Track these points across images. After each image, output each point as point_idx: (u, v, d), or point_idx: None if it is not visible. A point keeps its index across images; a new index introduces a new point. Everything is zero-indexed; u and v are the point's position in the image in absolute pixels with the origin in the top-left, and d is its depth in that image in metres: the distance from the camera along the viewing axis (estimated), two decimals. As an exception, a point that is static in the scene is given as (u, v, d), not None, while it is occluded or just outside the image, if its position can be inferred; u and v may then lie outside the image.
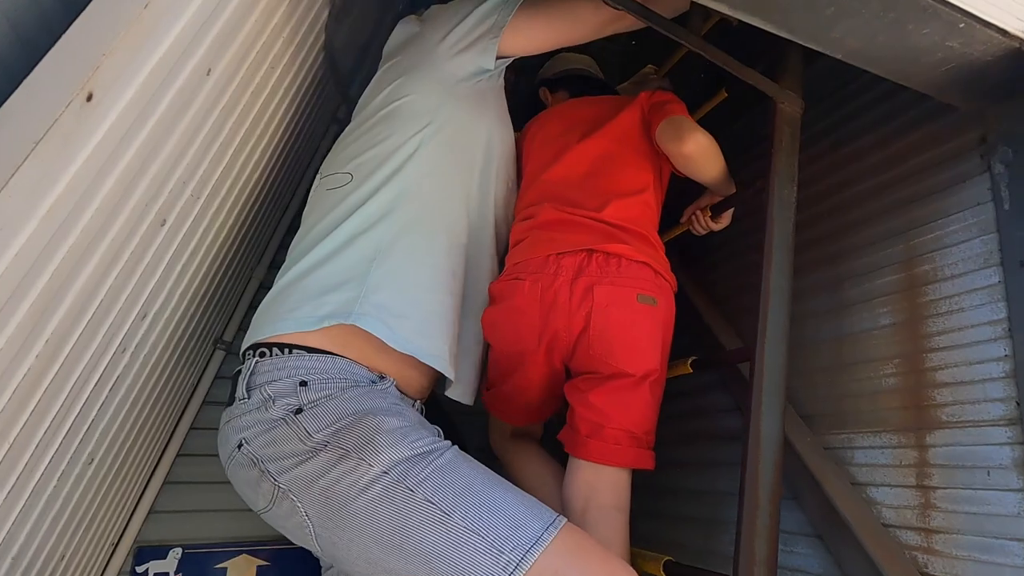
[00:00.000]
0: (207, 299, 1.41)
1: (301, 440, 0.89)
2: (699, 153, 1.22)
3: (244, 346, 1.06)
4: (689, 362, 1.25)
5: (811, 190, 1.56)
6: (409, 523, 0.82)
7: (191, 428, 1.70)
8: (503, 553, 0.78)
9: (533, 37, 1.25)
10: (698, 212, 1.39)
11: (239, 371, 1.03)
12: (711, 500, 1.63)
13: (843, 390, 1.33)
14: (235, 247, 1.45)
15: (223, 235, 1.30)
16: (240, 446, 0.95)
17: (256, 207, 1.50)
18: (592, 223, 1.21)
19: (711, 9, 1.41)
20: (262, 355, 0.99)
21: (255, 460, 0.92)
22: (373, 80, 1.34)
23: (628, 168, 1.29)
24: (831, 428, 1.34)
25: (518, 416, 1.33)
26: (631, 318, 1.13)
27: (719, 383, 1.71)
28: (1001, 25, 1.01)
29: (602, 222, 1.21)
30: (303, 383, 0.94)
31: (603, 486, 1.11)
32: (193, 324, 1.37)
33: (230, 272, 1.53)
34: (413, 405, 1.12)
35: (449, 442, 0.95)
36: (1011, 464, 0.99)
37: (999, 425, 1.02)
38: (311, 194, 1.23)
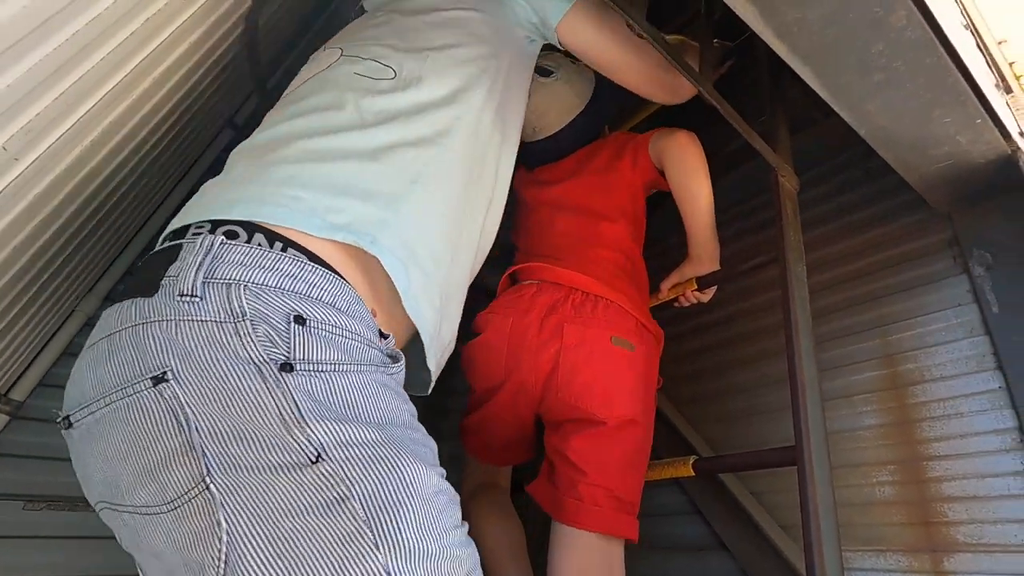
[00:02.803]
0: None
1: (283, 424, 0.50)
2: (693, 144, 1.18)
3: (190, 219, 0.64)
4: (691, 463, 1.02)
5: (770, 274, 1.50)
6: None
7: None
8: None
9: (590, 27, 1.03)
10: (680, 285, 1.23)
11: (174, 248, 0.60)
12: (665, 627, 1.37)
13: (828, 498, 1.19)
14: (44, 259, 0.98)
15: (23, 230, 0.84)
16: (160, 379, 0.51)
17: (89, 206, 1.05)
18: (573, 273, 1.11)
19: (722, 59, 1.39)
20: (231, 236, 0.59)
21: (182, 420, 0.50)
22: None
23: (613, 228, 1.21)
24: (819, 543, 1.17)
25: (482, 452, 1.21)
26: (604, 360, 1.01)
27: (670, 480, 1.51)
28: (1008, 127, 1.01)
29: (587, 263, 1.13)
30: (299, 319, 0.55)
31: (591, 559, 0.96)
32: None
33: (30, 295, 1.02)
34: None
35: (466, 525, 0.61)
36: (1058, 601, 0.87)
37: (1033, 552, 0.92)
38: (318, 65, 0.87)
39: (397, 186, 0.72)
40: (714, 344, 1.59)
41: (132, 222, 1.35)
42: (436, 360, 0.79)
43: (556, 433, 1.05)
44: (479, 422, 1.14)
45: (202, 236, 0.59)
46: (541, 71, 1.28)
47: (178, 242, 0.60)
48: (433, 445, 0.63)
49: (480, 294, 1.17)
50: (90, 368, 0.55)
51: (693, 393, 1.57)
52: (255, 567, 0.46)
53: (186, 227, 0.63)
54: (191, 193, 1.55)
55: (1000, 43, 1.10)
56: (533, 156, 1.37)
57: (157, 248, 0.64)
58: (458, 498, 0.61)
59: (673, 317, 1.66)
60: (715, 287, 1.25)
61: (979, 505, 1.00)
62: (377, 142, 0.73)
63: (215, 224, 0.61)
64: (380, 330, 0.68)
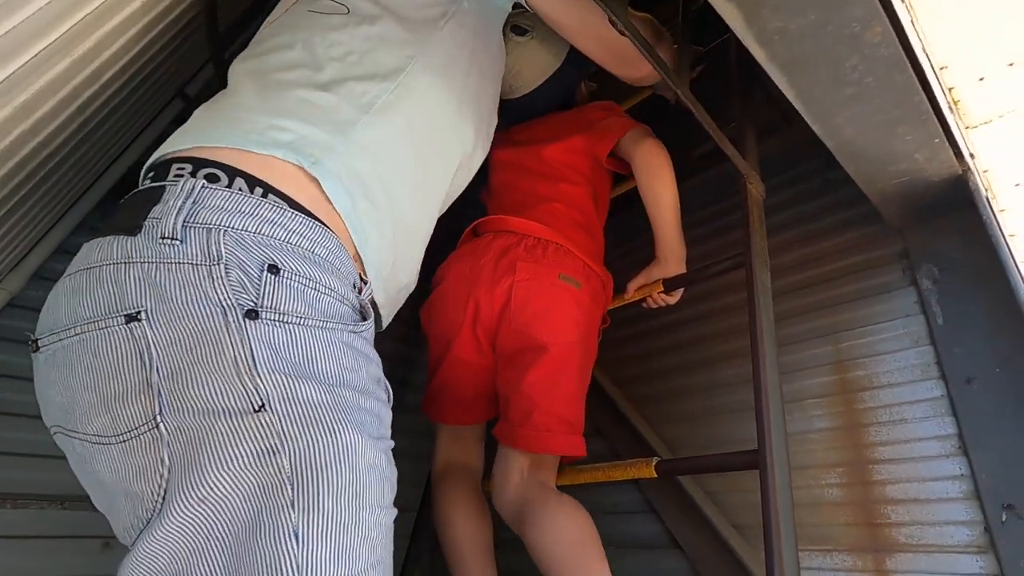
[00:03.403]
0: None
1: (235, 368, 0.51)
2: (661, 152, 1.25)
3: (169, 148, 0.66)
4: (653, 464, 1.02)
5: (732, 277, 1.53)
6: None
7: None
8: None
9: None
10: (647, 287, 1.24)
11: (156, 188, 0.61)
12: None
13: (779, 498, 1.22)
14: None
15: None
16: (132, 318, 0.53)
17: (17, 175, 0.95)
18: (526, 221, 1.20)
19: (693, 64, 1.39)
20: (212, 179, 0.61)
21: (146, 359, 0.52)
22: None
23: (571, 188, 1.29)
24: (769, 542, 1.20)
25: (450, 411, 1.23)
26: (552, 292, 1.12)
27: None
28: (961, 148, 1.06)
29: (543, 213, 1.22)
30: (273, 268, 0.57)
31: (532, 467, 1.10)
32: None
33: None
34: None
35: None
36: (988, 599, 0.92)
37: (968, 552, 0.97)
38: (281, 7, 0.90)
39: (347, 114, 0.71)
40: (674, 345, 1.61)
41: (67, 194, 1.24)
42: (386, 297, 0.78)
43: (509, 368, 1.14)
44: (444, 378, 1.20)
45: (183, 179, 0.59)
46: (517, 30, 1.29)
47: (161, 184, 0.61)
48: (386, 416, 0.63)
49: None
50: (66, 297, 0.57)
51: (652, 393, 1.59)
52: (184, 504, 0.48)
53: (167, 166, 0.63)
54: (135, 165, 1.46)
55: (941, 69, 1.15)
56: (509, 114, 1.39)
57: (140, 187, 0.64)
58: (394, 478, 0.61)
59: (635, 317, 1.68)
60: (682, 289, 1.26)
61: (920, 507, 1.04)
62: (327, 76, 0.73)
63: (196, 166, 0.61)
64: (361, 275, 0.69)
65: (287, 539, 0.47)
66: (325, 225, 0.64)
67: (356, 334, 0.63)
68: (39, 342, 0.57)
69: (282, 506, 0.48)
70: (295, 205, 0.62)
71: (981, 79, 1.00)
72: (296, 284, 0.57)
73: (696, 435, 1.46)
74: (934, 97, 0.96)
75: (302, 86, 0.71)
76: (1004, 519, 0.94)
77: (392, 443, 0.61)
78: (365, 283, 0.70)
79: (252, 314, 0.53)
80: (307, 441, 0.51)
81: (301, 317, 0.56)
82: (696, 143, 1.51)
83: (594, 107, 1.39)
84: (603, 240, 1.31)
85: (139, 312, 0.52)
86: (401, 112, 0.77)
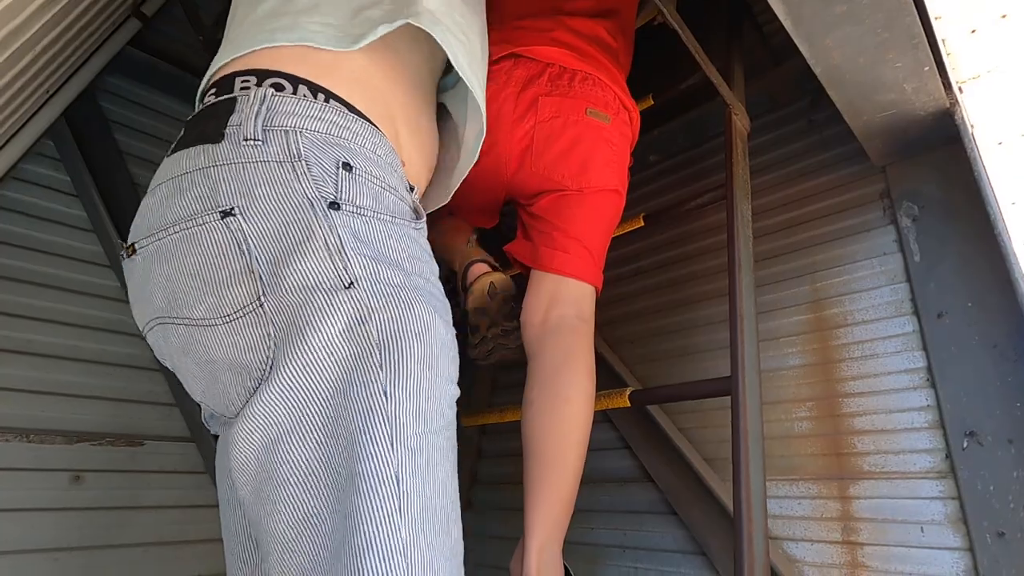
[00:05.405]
0: None
1: (327, 252, 0.57)
2: None
3: (224, 60, 0.70)
4: (628, 394, 1.02)
5: (712, 218, 1.52)
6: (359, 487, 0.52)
7: None
8: None
9: None
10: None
11: (225, 101, 0.65)
12: (589, 555, 1.42)
13: (749, 432, 1.24)
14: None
15: None
16: (227, 214, 0.59)
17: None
18: (550, 48, 1.07)
19: None
20: (278, 88, 0.66)
21: (244, 249, 0.58)
22: None
23: None
24: (738, 474, 1.23)
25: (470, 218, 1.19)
26: (577, 130, 1.02)
27: (600, 415, 1.54)
28: (951, 79, 1.03)
29: (564, 32, 1.09)
30: (347, 166, 0.63)
31: (563, 297, 1.03)
32: None
33: None
34: None
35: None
36: (944, 520, 0.95)
37: (929, 477, 0.99)
38: None
39: None
40: (651, 287, 1.61)
41: (15, 115, 1.16)
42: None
43: (531, 203, 1.08)
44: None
45: (251, 89, 0.64)
46: None
47: (231, 96, 0.65)
48: (448, 305, 0.68)
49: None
50: (159, 203, 0.62)
51: (627, 334, 1.60)
52: (289, 368, 0.54)
53: (230, 80, 0.67)
54: (89, 86, 1.37)
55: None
56: None
57: (207, 102, 0.67)
58: (458, 360, 0.65)
59: (612, 261, 1.66)
60: None
61: (885, 437, 1.07)
62: None
63: (260, 76, 0.66)
64: (409, 183, 0.74)
65: (378, 395, 0.53)
66: (379, 129, 0.69)
67: (417, 231, 0.69)
68: (135, 245, 0.62)
69: (371, 367, 0.54)
70: (352, 109, 0.67)
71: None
72: (366, 181, 0.63)
73: (670, 374, 1.47)
74: (928, 20, 0.92)
75: None
76: (965, 445, 0.96)
77: (454, 331, 0.65)
78: (412, 188, 0.74)
79: (334, 206, 0.59)
80: (390, 314, 0.56)
81: (373, 211, 0.62)
82: (683, 75, 1.47)
83: None
84: (629, 66, 1.21)
85: (232, 208, 0.58)
86: None
